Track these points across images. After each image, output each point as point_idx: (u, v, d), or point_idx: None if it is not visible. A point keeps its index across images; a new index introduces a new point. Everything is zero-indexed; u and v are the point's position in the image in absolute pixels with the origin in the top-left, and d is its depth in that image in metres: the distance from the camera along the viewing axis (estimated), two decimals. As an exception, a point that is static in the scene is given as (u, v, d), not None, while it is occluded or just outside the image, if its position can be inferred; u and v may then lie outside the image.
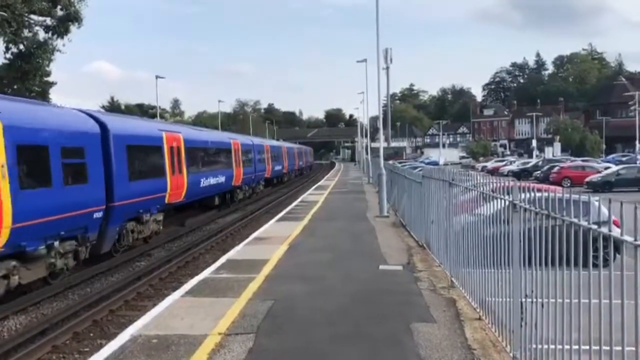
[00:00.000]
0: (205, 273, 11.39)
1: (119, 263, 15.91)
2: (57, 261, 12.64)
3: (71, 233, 13.17)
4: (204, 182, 24.16)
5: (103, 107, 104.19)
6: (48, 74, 35.54)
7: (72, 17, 31.28)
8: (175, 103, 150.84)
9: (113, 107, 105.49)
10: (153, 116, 63.02)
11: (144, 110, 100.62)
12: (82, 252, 13.90)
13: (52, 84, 37.54)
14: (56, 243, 12.52)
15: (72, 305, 11.59)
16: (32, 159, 11.89)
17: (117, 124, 16.89)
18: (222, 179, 27.17)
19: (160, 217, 19.37)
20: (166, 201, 19.43)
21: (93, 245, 14.54)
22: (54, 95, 40.35)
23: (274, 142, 56.17)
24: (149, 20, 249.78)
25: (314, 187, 42.47)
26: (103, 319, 10.92)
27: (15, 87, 32.28)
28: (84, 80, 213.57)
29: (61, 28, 31.29)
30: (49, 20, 31.63)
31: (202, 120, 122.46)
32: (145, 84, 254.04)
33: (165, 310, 8.57)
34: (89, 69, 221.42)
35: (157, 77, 52.80)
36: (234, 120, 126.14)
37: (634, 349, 3.33)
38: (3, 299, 11.05)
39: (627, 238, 3.48)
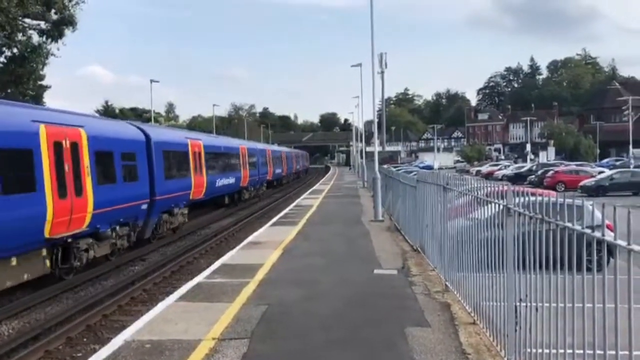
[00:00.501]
0: (200, 278, 11.36)
1: (113, 267, 15.86)
2: (117, 241, 16.23)
3: (126, 220, 16.65)
4: (219, 183, 27.76)
5: (97, 111, 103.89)
6: (42, 78, 35.37)
7: (67, 21, 31.15)
8: (170, 107, 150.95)
9: (107, 111, 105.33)
10: (147, 120, 62.90)
11: (138, 114, 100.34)
12: (132, 236, 17.32)
13: (46, 87, 37.39)
14: (117, 227, 16.07)
15: (66, 310, 11.52)
16: (104, 162, 15.49)
17: (156, 133, 20.71)
18: (232, 180, 30.74)
19: (185, 211, 22.84)
20: (190, 198, 22.88)
21: (138, 231, 17.98)
22: (48, 99, 40.17)
23: (275, 147, 60.19)
24: (143, 24, 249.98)
25: (308, 191, 42.48)
26: (97, 323, 10.86)
27: (8, 90, 32.13)
28: (77, 84, 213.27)
29: (55, 32, 31.15)
30: (43, 24, 31.50)
31: (197, 124, 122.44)
32: (139, 88, 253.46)
33: (159, 315, 8.53)
34: (83, 73, 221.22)
35: (151, 81, 52.68)
36: (229, 125, 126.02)
37: (627, 352, 3.34)
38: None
39: (621, 242, 3.48)
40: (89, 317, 10.97)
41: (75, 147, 13.90)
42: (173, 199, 20.83)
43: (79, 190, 13.84)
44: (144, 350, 6.94)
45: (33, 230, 12.05)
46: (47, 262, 13.13)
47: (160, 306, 9.18)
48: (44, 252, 12.95)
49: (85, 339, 10.04)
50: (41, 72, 33.95)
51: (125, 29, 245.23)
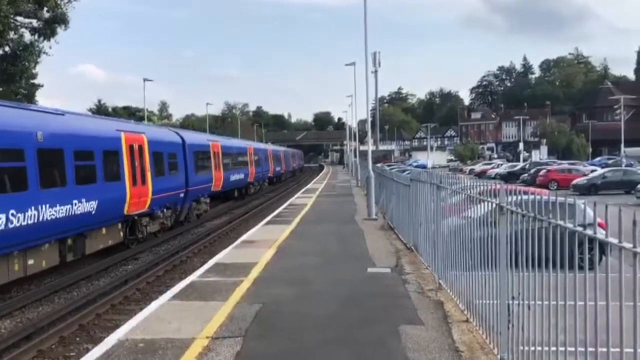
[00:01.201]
0: (193, 276, 11.34)
1: (106, 267, 15.80)
2: (165, 221, 20.97)
3: (170, 205, 21.52)
4: (232, 178, 32.82)
5: (90, 109, 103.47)
6: (34, 77, 35.22)
7: (59, 19, 30.98)
8: (163, 106, 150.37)
9: (100, 110, 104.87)
10: (140, 119, 62.71)
11: (131, 113, 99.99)
12: (172, 218, 22.13)
13: (38, 86, 37.23)
14: (164, 210, 20.86)
15: (59, 310, 11.47)
16: (158, 159, 20.16)
17: (189, 136, 26.57)
18: (242, 175, 36.32)
19: (208, 200, 27.70)
20: (212, 189, 27.37)
21: (177, 215, 22.86)
22: (40, 98, 40.03)
23: (275, 147, 65.20)
24: (135, 24, 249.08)
25: (302, 190, 42.48)
26: (90, 323, 10.82)
27: (0, 89, 31.95)
28: (70, 83, 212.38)
29: (47, 30, 30.98)
30: (35, 22, 31.32)
31: (191, 123, 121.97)
32: (132, 87, 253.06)
33: (152, 314, 8.51)
34: (75, 72, 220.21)
35: (144, 79, 52.57)
36: (222, 123, 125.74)
37: (619, 350, 3.36)
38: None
39: (612, 240, 3.51)
40: (82, 317, 10.93)
41: (140, 148, 18.65)
42: (200, 190, 25.81)
43: (144, 181, 18.56)
44: (137, 349, 6.92)
45: (118, 208, 16.74)
46: (121, 233, 17.60)
47: (154, 305, 9.16)
48: (120, 225, 17.46)
49: (78, 339, 10.01)
50: (33, 71, 33.79)
51: (118, 27, 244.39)
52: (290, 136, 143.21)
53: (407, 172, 18.48)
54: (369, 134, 28.51)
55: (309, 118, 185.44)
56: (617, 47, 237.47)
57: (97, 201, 14.88)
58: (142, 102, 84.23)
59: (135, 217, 18.13)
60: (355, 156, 55.45)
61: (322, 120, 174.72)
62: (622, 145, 66.07)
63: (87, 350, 7.93)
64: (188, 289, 10.17)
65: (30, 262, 12.46)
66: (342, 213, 23.27)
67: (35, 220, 12.11)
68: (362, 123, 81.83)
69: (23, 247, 12.08)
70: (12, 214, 11.37)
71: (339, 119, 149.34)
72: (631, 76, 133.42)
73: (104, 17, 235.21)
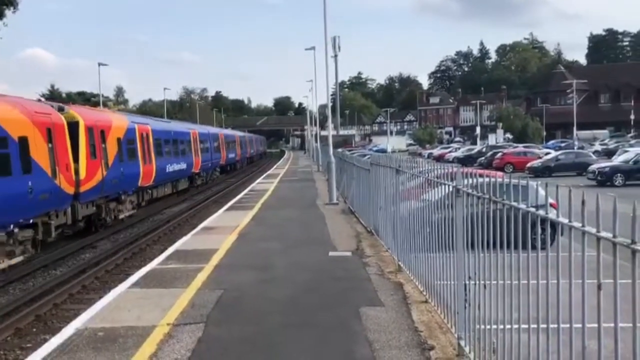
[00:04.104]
0: (153, 264, 11.22)
1: (63, 256, 15.46)
2: (179, 184, 30.90)
3: (184, 176, 32.08)
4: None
5: (43, 95, 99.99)
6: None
7: (7, 1, 29.87)
8: (119, 91, 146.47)
9: (54, 96, 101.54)
10: (96, 104, 61.10)
11: (86, 99, 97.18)
12: (186, 183, 32.88)
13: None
14: (182, 180, 31.65)
15: (14, 301, 11.20)
16: (158, 144, 26.69)
17: (199, 128, 39.10)
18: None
19: (218, 171, 44.19)
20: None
21: (190, 182, 33.57)
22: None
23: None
24: (88, 7, 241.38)
25: (263, 175, 42.33)
26: (47, 313, 10.62)
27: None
28: (18, 67, 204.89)
29: (-5, 12, 29.87)
30: (-19, 4, 30.13)
31: (148, 108, 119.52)
32: (86, 72, 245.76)
33: (111, 303, 8.40)
34: (24, 56, 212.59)
35: (99, 64, 51.02)
36: (180, 109, 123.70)
37: (568, 325, 3.50)
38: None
39: (563, 220, 3.63)
40: (39, 307, 10.70)
41: (147, 136, 24.67)
42: (209, 164, 38.81)
43: (150, 160, 24.32)
44: (97, 338, 6.83)
45: (135, 181, 22.45)
46: (135, 202, 22.92)
47: (113, 293, 9.03)
48: (135, 196, 22.84)
49: (35, 329, 9.81)
50: (-19, 54, 32.50)
51: (68, 11, 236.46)
52: (251, 121, 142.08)
53: (367, 156, 18.61)
54: (330, 119, 28.52)
55: (269, 103, 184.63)
56: (568, 32, 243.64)
57: (186, 164, 31.83)
58: (97, 87, 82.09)
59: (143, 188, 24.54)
60: (316, 141, 55.47)
61: (283, 105, 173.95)
62: (575, 128, 67.98)
63: (45, 340, 7.79)
64: (148, 276, 10.06)
65: (173, 189, 29.62)
66: (303, 198, 23.32)
67: (176, 169, 28.93)
68: (322, 108, 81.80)
69: (171, 180, 28.94)
70: (174, 166, 28.82)
71: (300, 104, 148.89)
72: (583, 61, 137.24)
73: (51, 0, 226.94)
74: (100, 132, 19.05)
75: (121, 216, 20.96)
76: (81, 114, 18.22)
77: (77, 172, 16.68)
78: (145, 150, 23.92)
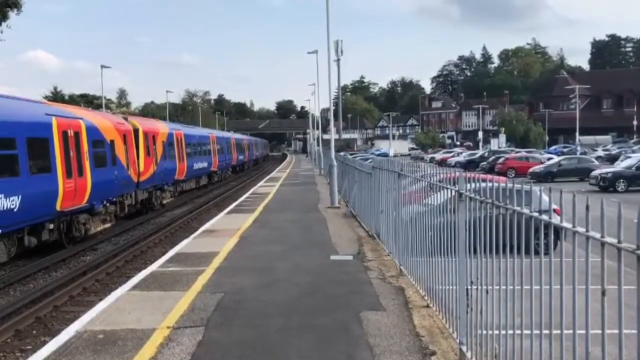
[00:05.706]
0: (154, 267, 11.19)
1: (63, 258, 15.44)
2: (200, 180, 36.26)
3: (205, 173, 37.38)
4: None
5: (46, 97, 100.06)
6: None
7: (11, 3, 29.94)
8: (122, 93, 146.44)
9: (56, 98, 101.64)
10: (98, 107, 61.21)
11: (88, 101, 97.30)
12: (206, 180, 37.74)
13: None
14: (203, 176, 37.14)
15: (14, 302, 11.16)
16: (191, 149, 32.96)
17: (216, 133, 44.30)
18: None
19: (230, 171, 48.40)
20: (232, 164, 38.97)
21: (209, 179, 38.35)
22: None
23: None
24: (92, 10, 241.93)
25: (265, 178, 42.31)
26: (47, 315, 10.58)
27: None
28: (20, 69, 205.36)
29: (-2, 14, 29.92)
30: (-15, 6, 30.17)
31: (150, 110, 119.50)
32: (89, 75, 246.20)
33: (112, 305, 8.37)
34: (26, 58, 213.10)
35: (102, 66, 51.25)
36: (183, 111, 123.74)
37: (571, 332, 3.46)
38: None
39: (566, 225, 3.60)
40: (39, 309, 10.67)
41: (181, 140, 29.15)
42: (224, 164, 42.63)
43: (183, 159, 28.74)
44: (97, 340, 6.80)
45: (173, 175, 27.63)
46: (172, 192, 27.57)
47: (113, 296, 9.01)
48: (172, 187, 27.22)
49: (34, 331, 9.78)
50: (-16, 56, 32.55)
51: (71, 13, 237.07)
52: (253, 124, 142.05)
53: (369, 160, 18.58)
54: (332, 122, 28.50)
55: (271, 106, 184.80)
56: (571, 38, 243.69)
57: (207, 163, 36.47)
58: (100, 89, 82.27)
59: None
60: (318, 145, 55.47)
61: (285, 109, 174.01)
62: (577, 133, 67.95)
63: (44, 342, 7.77)
64: (148, 279, 10.03)
65: (197, 184, 34.28)
66: (305, 201, 23.29)
67: (200, 167, 34.32)
68: (324, 111, 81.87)
69: (196, 176, 33.43)
70: (198, 164, 34.11)
71: (302, 108, 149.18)
72: (586, 66, 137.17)
73: (51, 1, 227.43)
74: (152, 136, 24.99)
75: (164, 202, 26.48)
76: (140, 122, 24.48)
77: (138, 166, 22.41)
78: (179, 151, 29.52)
